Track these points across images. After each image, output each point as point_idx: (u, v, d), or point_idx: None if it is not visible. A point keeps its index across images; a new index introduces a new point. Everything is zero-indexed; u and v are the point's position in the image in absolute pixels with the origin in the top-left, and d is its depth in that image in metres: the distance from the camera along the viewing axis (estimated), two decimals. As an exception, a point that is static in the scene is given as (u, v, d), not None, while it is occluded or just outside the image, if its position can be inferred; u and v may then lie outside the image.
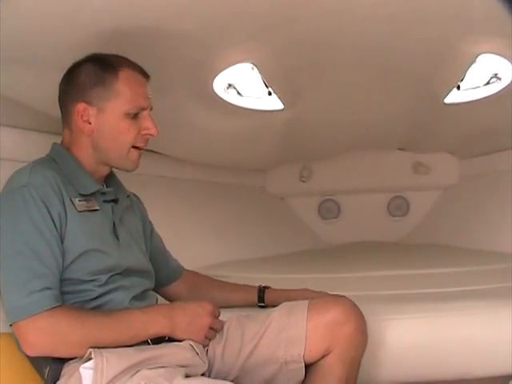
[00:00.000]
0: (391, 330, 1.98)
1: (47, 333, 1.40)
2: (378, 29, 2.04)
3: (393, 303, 2.15)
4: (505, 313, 1.99)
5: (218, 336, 1.73)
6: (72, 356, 1.46)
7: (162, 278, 1.95)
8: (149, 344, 1.55)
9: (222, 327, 1.74)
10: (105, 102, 1.62)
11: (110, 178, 1.80)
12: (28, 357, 1.49)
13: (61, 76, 1.72)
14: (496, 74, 2.43)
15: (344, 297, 1.78)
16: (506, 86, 2.43)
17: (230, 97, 2.64)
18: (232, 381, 1.59)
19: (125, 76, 1.64)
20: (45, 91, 1.87)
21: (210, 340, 1.70)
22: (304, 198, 4.49)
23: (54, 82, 1.73)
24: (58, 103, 1.72)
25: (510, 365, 1.92)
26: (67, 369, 1.46)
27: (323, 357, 1.69)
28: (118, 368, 1.41)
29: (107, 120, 1.63)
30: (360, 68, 2.49)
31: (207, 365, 1.64)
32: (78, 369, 1.42)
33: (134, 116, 1.65)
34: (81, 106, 1.62)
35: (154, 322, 1.55)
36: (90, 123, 1.63)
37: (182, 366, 1.51)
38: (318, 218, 4.51)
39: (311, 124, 3.28)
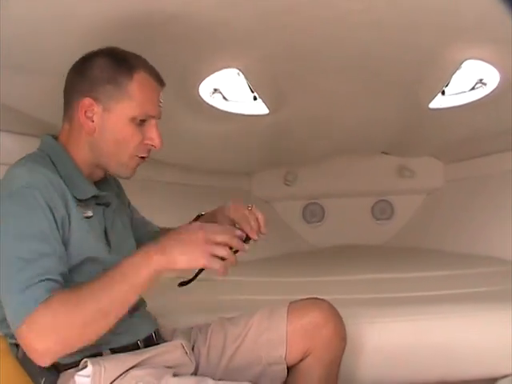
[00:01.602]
0: (374, 332, 1.99)
1: (50, 329, 1.24)
2: (364, 35, 2.04)
3: (376, 306, 2.16)
4: (489, 316, 2.02)
5: (202, 338, 1.73)
6: (88, 341, 1.31)
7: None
8: (139, 348, 1.52)
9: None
10: (113, 102, 1.48)
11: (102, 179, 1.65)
12: (24, 366, 1.42)
13: (50, 81, 1.65)
14: (481, 80, 2.44)
15: (323, 300, 1.75)
16: (492, 92, 2.43)
17: (216, 101, 2.64)
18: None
19: (140, 79, 1.50)
20: (35, 96, 1.84)
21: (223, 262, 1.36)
22: (289, 201, 4.52)
23: (44, 87, 1.70)
24: (57, 104, 1.56)
25: (493, 368, 1.96)
26: (63, 379, 1.41)
27: (303, 359, 1.69)
28: (114, 374, 1.39)
29: (111, 122, 1.49)
30: (346, 74, 2.49)
31: (195, 364, 1.63)
32: (73, 377, 1.39)
33: (140, 123, 1.52)
34: (86, 101, 1.47)
35: (144, 260, 1.32)
36: (93, 121, 1.48)
37: (171, 367, 1.50)
38: (302, 221, 4.54)
39: (296, 129, 3.28)
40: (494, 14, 1.63)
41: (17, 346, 1.44)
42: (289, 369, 1.70)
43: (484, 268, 2.88)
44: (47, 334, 1.24)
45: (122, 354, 1.45)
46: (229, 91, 2.62)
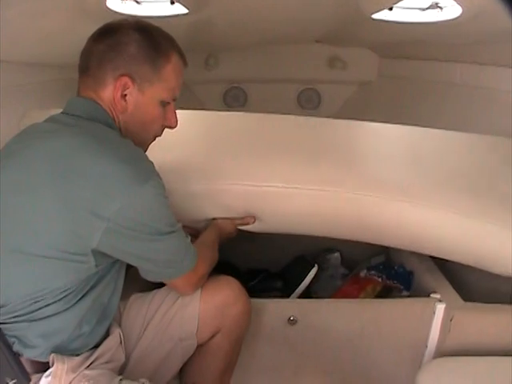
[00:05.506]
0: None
1: (204, 278, 1.68)
2: None
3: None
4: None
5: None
6: None
7: None
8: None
9: None
10: (147, 83, 1.48)
11: None
12: None
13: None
14: (437, 4, 2.14)
15: (234, 279, 1.82)
16: (450, 21, 2.14)
17: (128, 8, 2.32)
18: (133, 364, 1.67)
19: (174, 62, 1.51)
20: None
21: None
22: (209, 85, 4.24)
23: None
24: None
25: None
26: (33, 382, 1.39)
27: (212, 336, 1.75)
28: (72, 375, 1.38)
29: (143, 103, 1.50)
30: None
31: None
32: (41, 379, 1.38)
33: (165, 104, 1.55)
34: (124, 79, 1.46)
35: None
36: (126, 101, 1.49)
37: (110, 362, 1.53)
38: (223, 106, 4.29)
39: (220, 24, 2.99)
40: None
41: None
42: (197, 347, 1.75)
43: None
44: (202, 280, 1.69)
45: (82, 355, 1.45)
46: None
